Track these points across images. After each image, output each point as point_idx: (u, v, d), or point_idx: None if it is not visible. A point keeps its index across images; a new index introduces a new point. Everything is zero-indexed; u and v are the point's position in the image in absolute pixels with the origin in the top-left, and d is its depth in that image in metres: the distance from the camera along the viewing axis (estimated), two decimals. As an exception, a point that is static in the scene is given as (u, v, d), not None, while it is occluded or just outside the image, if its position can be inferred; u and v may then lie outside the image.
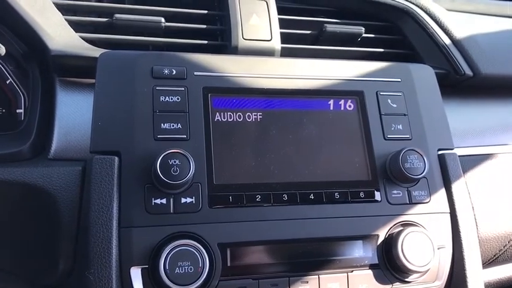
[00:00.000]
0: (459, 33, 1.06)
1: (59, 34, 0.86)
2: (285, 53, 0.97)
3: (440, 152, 0.89)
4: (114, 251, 0.71)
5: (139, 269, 0.71)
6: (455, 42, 1.06)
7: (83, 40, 0.88)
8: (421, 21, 1.06)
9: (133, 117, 0.77)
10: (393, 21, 1.10)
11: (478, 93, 1.10)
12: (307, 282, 0.77)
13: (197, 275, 0.70)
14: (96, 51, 0.84)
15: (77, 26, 0.90)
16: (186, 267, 0.70)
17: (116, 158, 0.74)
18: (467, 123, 1.06)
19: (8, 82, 0.86)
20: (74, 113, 0.84)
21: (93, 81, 0.81)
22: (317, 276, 0.77)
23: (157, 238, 0.72)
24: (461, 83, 1.07)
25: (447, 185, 0.87)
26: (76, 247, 0.78)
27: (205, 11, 0.98)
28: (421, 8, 1.07)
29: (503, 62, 1.08)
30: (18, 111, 0.89)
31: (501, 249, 1.00)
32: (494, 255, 1.01)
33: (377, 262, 0.80)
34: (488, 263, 1.02)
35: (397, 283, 0.80)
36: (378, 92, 0.90)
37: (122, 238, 0.72)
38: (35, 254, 0.85)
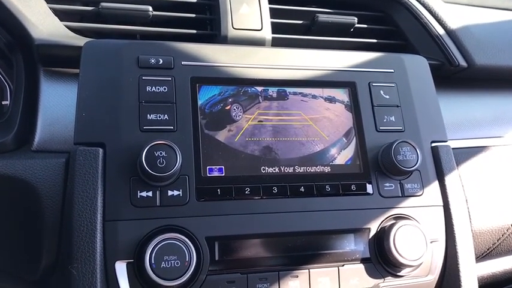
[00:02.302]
0: (454, 24, 1.05)
1: (43, 23, 0.84)
2: (276, 43, 0.96)
3: (433, 144, 0.88)
4: (98, 245, 0.69)
5: (125, 263, 0.70)
6: (449, 32, 1.04)
7: (68, 29, 0.86)
8: (415, 12, 1.05)
9: (119, 107, 0.75)
10: (386, 11, 1.09)
11: (472, 85, 1.09)
12: (297, 276, 0.75)
13: (184, 269, 0.69)
14: (81, 40, 0.82)
15: (62, 15, 0.88)
16: (173, 262, 0.68)
17: (101, 150, 0.73)
18: (461, 115, 1.05)
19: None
20: (58, 103, 0.82)
21: (78, 71, 0.78)
22: (307, 270, 0.76)
23: (143, 232, 0.71)
24: (455, 74, 1.06)
25: (440, 178, 0.86)
26: (59, 241, 0.77)
27: (194, 0, 0.95)
28: (415, -2, 1.06)
29: (497, 53, 1.07)
30: (3, 102, 0.87)
31: (495, 243, 0.99)
32: (488, 249, 1.00)
33: (368, 256, 0.79)
34: (481, 256, 1.01)
35: (389, 277, 0.79)
36: (371, 83, 0.88)
37: (107, 232, 0.70)
38: (17, 249, 0.83)
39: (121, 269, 0.69)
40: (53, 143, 0.79)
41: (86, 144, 0.73)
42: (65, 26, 0.86)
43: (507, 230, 0.99)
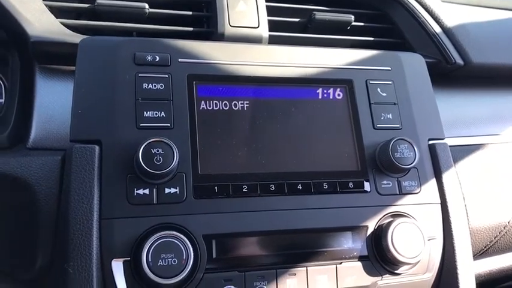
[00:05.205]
0: (450, 22, 1.05)
1: (39, 20, 0.83)
2: (273, 41, 0.95)
3: (430, 142, 0.88)
4: (94, 243, 0.68)
5: (121, 262, 0.69)
6: (446, 31, 1.04)
7: (64, 26, 0.85)
8: (412, 10, 1.05)
9: (115, 105, 0.75)
10: (383, 9, 1.09)
11: (469, 83, 1.09)
12: (295, 274, 0.75)
13: (181, 267, 0.68)
14: (77, 38, 0.82)
15: (58, 12, 0.88)
16: (170, 260, 0.68)
17: (97, 147, 0.72)
18: (458, 113, 1.05)
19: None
20: (54, 101, 0.82)
21: (74, 68, 0.78)
22: (305, 268, 0.76)
23: (140, 229, 0.70)
24: (452, 72, 1.06)
25: (438, 175, 0.86)
26: (55, 240, 0.76)
27: (191, -3, 0.95)
28: (412, -4, 1.06)
29: (494, 51, 1.07)
30: (-2, 100, 0.86)
31: (492, 241, 0.99)
32: (485, 247, 1.00)
33: (366, 254, 0.79)
34: (479, 254, 1.01)
35: (387, 275, 0.79)
36: (368, 81, 0.88)
37: (103, 230, 0.69)
38: (13, 248, 0.82)
39: (118, 267, 0.69)
40: (48, 141, 0.79)
41: (82, 142, 0.72)
42: (61, 23, 0.85)
43: (504, 228, 0.99)
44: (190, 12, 0.94)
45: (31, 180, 0.74)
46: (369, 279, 0.78)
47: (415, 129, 0.87)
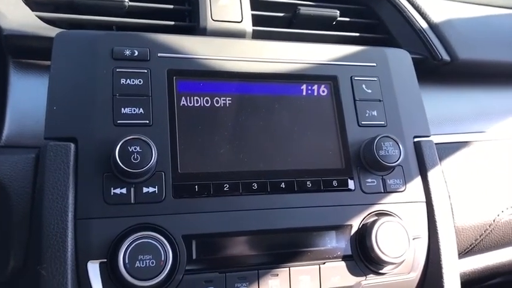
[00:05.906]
0: (437, 18, 1.04)
1: (13, 13, 0.80)
2: (257, 36, 0.94)
3: (416, 139, 0.87)
4: (69, 244, 0.66)
5: (98, 263, 0.67)
6: (432, 26, 1.03)
7: (39, 20, 0.83)
8: (398, 5, 1.04)
9: (91, 101, 0.72)
10: (369, 4, 1.08)
11: (455, 80, 1.08)
12: (277, 275, 0.73)
13: (159, 269, 0.66)
14: (52, 31, 0.79)
15: (34, 5, 0.85)
16: (148, 261, 0.66)
17: (72, 145, 0.70)
18: (444, 110, 1.04)
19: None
20: (28, 96, 0.79)
21: (50, 63, 0.75)
22: (287, 268, 0.74)
23: (117, 230, 0.68)
24: (438, 69, 1.05)
25: (423, 173, 0.85)
26: (28, 241, 0.73)
27: (172, -9, 0.93)
28: (398, -9, 1.05)
29: (481, 47, 1.06)
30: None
31: (477, 239, 0.98)
32: (471, 245, 0.99)
33: (350, 253, 0.77)
34: (464, 253, 1.01)
35: (371, 275, 0.78)
36: (352, 77, 0.86)
37: (79, 230, 0.67)
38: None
39: (94, 269, 0.67)
40: (22, 138, 0.76)
41: (56, 139, 0.70)
42: (37, 16, 0.83)
43: (489, 226, 0.98)
44: (171, 6, 0.91)
45: (3, 179, 0.71)
46: (352, 279, 0.77)
47: (400, 127, 0.86)
